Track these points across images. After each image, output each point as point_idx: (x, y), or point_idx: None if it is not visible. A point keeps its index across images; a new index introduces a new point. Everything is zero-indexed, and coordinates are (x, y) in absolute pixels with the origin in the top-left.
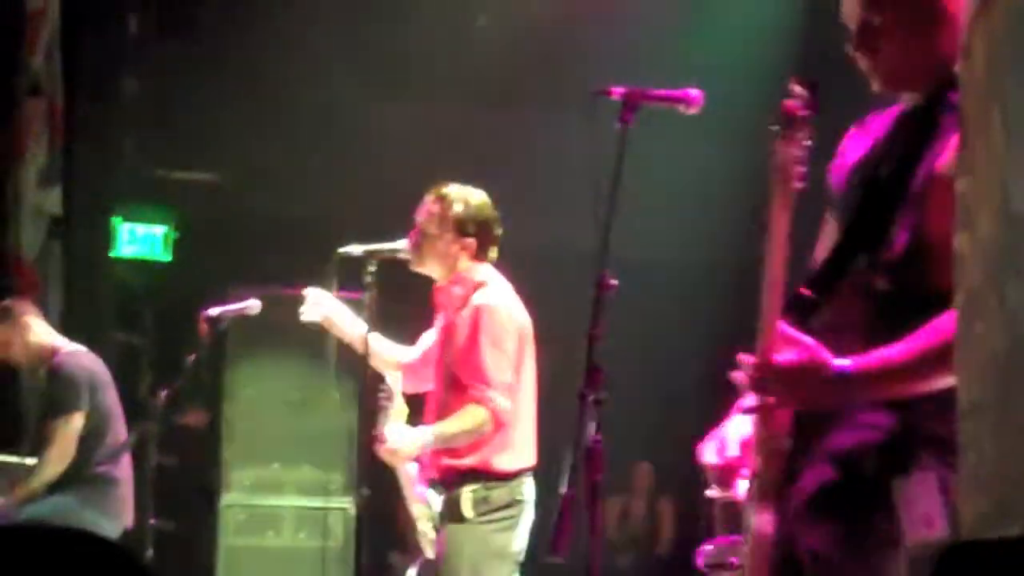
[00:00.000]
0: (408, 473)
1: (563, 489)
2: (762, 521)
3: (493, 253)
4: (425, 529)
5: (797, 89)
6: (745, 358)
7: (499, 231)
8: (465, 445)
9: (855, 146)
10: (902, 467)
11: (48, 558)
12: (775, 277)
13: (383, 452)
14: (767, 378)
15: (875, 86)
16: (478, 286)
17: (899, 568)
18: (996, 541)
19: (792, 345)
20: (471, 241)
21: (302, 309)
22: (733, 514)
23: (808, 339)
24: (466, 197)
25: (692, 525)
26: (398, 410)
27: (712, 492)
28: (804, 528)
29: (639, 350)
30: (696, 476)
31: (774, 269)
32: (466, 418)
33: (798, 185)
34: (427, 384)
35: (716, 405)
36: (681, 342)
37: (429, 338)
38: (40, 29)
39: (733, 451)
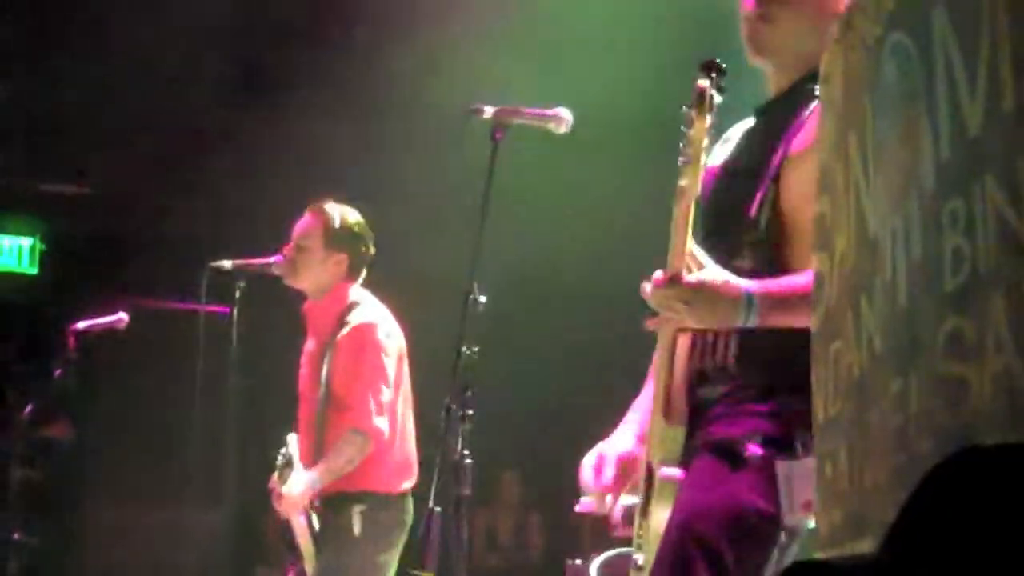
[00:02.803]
0: (301, 523)
1: (430, 504)
2: (659, 519)
3: (364, 271)
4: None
5: (707, 70)
6: (655, 276)
7: (372, 250)
8: (349, 471)
9: (719, 154)
10: (788, 452)
11: None
12: (679, 241)
13: (282, 507)
14: (672, 293)
15: (750, 55)
16: (352, 305)
17: (778, 550)
18: (839, 561)
19: (698, 265)
20: (344, 256)
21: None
22: (604, 529)
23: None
24: (342, 213)
25: (561, 536)
26: (297, 472)
27: (582, 506)
28: (693, 516)
29: (507, 363)
30: (565, 487)
31: (679, 234)
32: (347, 449)
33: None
34: None
35: (583, 417)
36: (549, 354)
37: None
38: None
39: (609, 475)
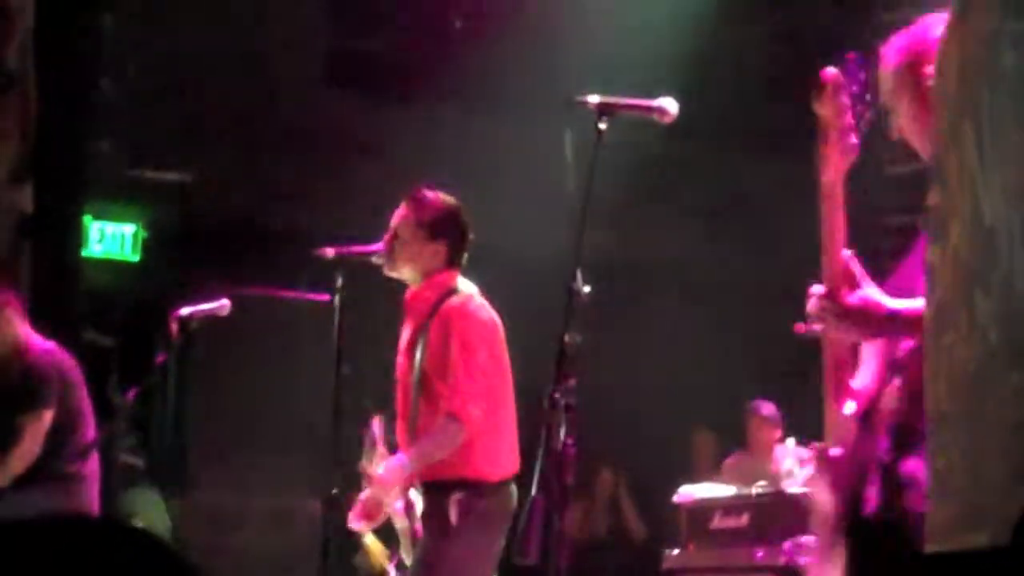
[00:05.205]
0: (397, 508)
1: (532, 492)
2: (821, 499)
3: (464, 259)
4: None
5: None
6: (815, 289)
7: (471, 237)
8: (441, 458)
9: None
10: None
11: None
12: (834, 227)
13: (375, 490)
14: (831, 308)
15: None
16: (449, 292)
17: None
18: (959, 554)
19: (852, 283)
20: (442, 244)
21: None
22: (702, 521)
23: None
24: (440, 201)
25: (656, 528)
26: (380, 453)
27: (679, 497)
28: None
29: (607, 355)
30: (659, 480)
31: (833, 220)
32: (440, 436)
33: (851, 144)
34: None
35: (682, 410)
36: (649, 347)
37: None
38: (15, 24)
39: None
